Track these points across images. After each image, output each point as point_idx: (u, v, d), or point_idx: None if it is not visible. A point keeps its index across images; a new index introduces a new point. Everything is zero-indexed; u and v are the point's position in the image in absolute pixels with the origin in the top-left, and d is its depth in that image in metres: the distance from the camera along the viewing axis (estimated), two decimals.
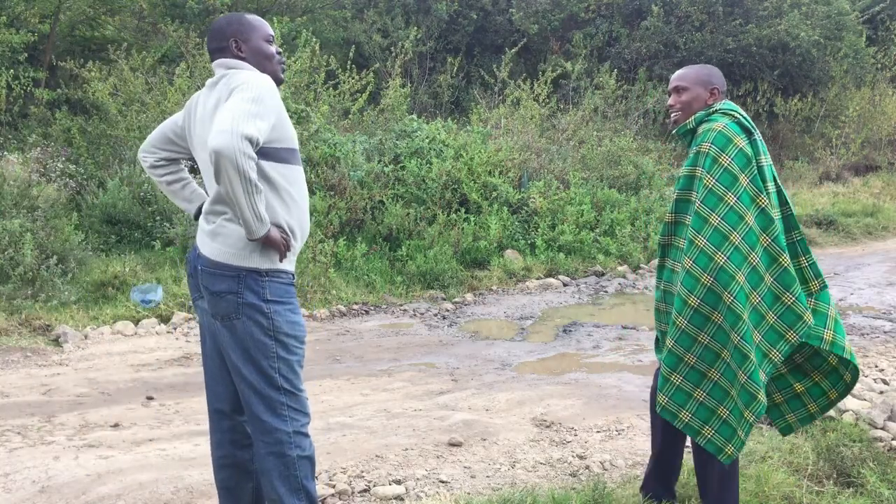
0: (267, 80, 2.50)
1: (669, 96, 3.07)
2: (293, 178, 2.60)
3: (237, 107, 2.36)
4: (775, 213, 2.81)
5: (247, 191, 2.35)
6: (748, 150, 2.80)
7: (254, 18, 2.68)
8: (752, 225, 2.73)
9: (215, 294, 2.56)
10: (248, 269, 2.53)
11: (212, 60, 2.67)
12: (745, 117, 2.90)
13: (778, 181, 2.90)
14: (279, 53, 2.71)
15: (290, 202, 2.59)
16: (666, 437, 3.16)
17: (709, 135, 2.82)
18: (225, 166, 2.31)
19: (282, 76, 2.72)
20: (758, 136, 2.88)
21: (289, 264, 2.62)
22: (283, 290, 2.59)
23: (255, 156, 2.35)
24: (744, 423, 2.76)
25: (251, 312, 2.54)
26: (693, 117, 2.96)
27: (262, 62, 2.64)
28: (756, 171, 2.79)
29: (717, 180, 2.76)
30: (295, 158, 2.63)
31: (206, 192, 2.75)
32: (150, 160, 2.89)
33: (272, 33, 2.71)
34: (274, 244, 2.52)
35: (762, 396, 2.70)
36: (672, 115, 3.05)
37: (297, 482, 2.64)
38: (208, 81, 2.65)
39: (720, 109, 2.93)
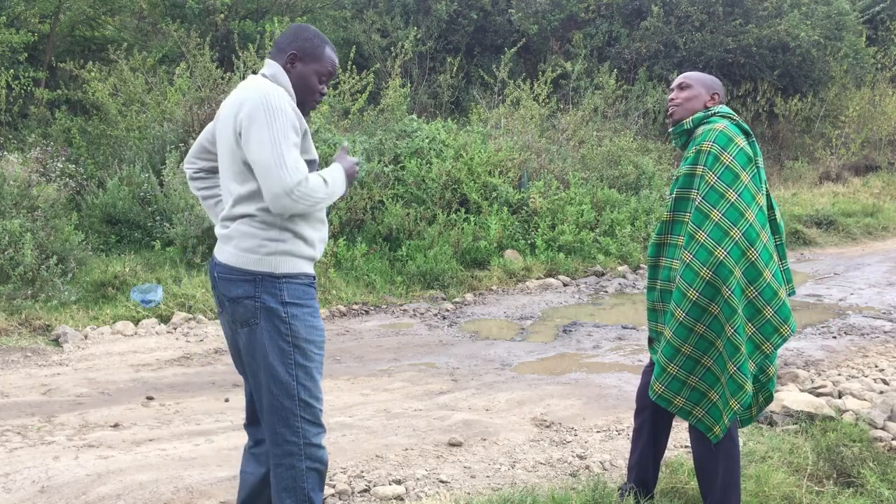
0: (283, 96, 2.46)
1: (671, 92, 3.13)
2: None
3: (272, 156, 2.37)
4: (769, 214, 2.94)
5: (327, 201, 2.51)
6: (748, 150, 2.90)
7: (327, 52, 2.63)
8: (752, 221, 2.82)
9: (233, 300, 2.52)
10: (265, 273, 2.50)
11: (270, 55, 2.67)
12: (741, 121, 3.01)
13: (766, 185, 3.01)
14: (322, 94, 2.68)
15: (309, 214, 2.57)
16: (655, 431, 3.22)
17: (710, 134, 2.90)
18: (304, 209, 2.45)
19: (308, 111, 2.69)
20: (754, 140, 2.97)
21: (307, 266, 2.59)
22: (301, 292, 2.54)
23: (309, 184, 2.41)
24: (728, 409, 2.87)
25: (270, 317, 2.50)
26: (691, 118, 3.05)
27: (300, 88, 2.61)
28: (756, 171, 2.90)
29: (718, 177, 2.84)
30: (313, 169, 2.61)
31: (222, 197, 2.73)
32: (189, 171, 2.88)
33: (332, 71, 2.66)
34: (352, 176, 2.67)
35: (749, 387, 2.82)
36: (670, 108, 3.12)
37: (304, 494, 2.61)
38: (240, 84, 2.63)
39: (718, 112, 3.03)
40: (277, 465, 2.61)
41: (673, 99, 3.10)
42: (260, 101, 2.43)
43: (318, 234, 2.63)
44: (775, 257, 2.90)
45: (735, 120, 2.98)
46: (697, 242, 2.83)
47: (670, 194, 3.07)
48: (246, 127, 2.42)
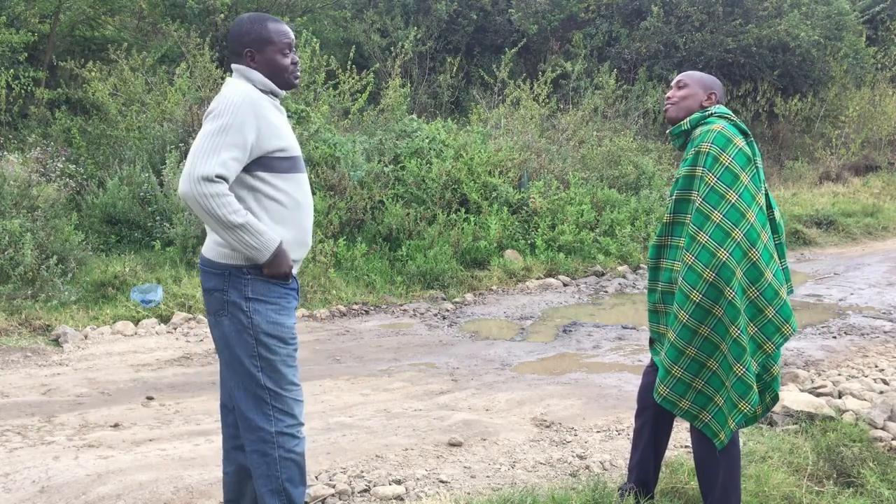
0: (244, 97, 2.51)
1: (669, 90, 3.15)
2: (285, 187, 2.61)
3: (199, 144, 2.46)
4: (768, 214, 2.93)
5: (225, 226, 2.44)
6: (747, 150, 2.90)
7: (273, 30, 2.65)
8: (753, 222, 2.82)
9: (206, 291, 2.65)
10: (233, 266, 2.57)
11: (231, 60, 2.71)
12: (739, 122, 3.00)
13: (766, 184, 3.00)
14: (294, 63, 2.70)
15: (281, 210, 2.59)
16: (656, 431, 3.21)
17: (708, 135, 2.90)
18: (195, 210, 2.44)
19: (295, 83, 2.73)
20: (752, 140, 2.97)
21: None
22: (266, 289, 2.60)
23: (221, 191, 2.42)
24: (736, 413, 2.84)
25: (233, 310, 2.59)
26: (689, 119, 3.04)
27: (273, 73, 2.66)
28: (755, 171, 2.89)
29: (718, 178, 2.83)
30: (292, 167, 2.63)
31: None
32: None
33: (290, 41, 2.69)
34: (276, 270, 2.56)
35: (756, 387, 2.81)
36: (666, 105, 3.13)
37: (278, 483, 2.65)
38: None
39: (716, 113, 3.02)
40: (252, 453, 2.67)
41: (670, 97, 3.11)
42: (216, 101, 2.53)
43: (290, 236, 2.64)
44: (775, 257, 2.90)
45: (733, 120, 2.98)
46: (699, 244, 2.82)
47: (671, 196, 3.06)
48: (204, 121, 2.55)
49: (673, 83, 3.15)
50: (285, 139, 2.61)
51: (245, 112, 2.49)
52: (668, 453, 3.81)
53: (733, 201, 2.80)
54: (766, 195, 2.97)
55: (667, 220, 3.06)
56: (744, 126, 2.98)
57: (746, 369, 2.79)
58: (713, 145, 2.85)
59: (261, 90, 2.63)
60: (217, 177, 2.41)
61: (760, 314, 2.82)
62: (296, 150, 2.67)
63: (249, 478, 2.83)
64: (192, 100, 9.22)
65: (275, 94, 2.69)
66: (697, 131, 2.97)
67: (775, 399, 3.06)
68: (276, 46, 2.65)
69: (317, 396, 4.83)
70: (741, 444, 3.93)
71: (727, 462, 2.96)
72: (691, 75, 3.11)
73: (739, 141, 2.87)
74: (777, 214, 3.01)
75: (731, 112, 3.04)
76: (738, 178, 2.82)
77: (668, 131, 3.15)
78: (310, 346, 5.97)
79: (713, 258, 2.78)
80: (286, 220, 2.61)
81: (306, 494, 3.27)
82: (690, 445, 3.16)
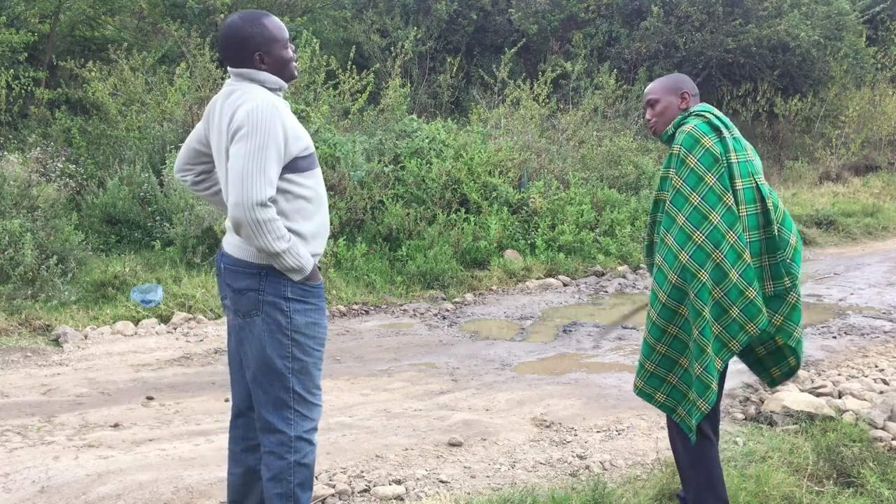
0: (269, 107, 2.49)
1: (646, 111, 3.15)
2: (309, 184, 2.62)
3: (243, 167, 2.41)
4: (742, 210, 2.86)
5: (271, 252, 2.46)
6: (716, 148, 2.86)
7: (274, 27, 2.63)
8: (717, 223, 2.80)
9: (237, 291, 2.60)
10: (270, 267, 2.56)
11: (228, 64, 2.65)
12: (717, 116, 2.98)
13: (756, 177, 2.93)
14: (295, 52, 2.71)
15: (307, 206, 2.61)
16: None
17: (679, 137, 2.93)
18: (248, 235, 2.44)
19: (296, 74, 2.74)
20: (729, 133, 2.92)
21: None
22: (303, 289, 2.60)
23: (273, 216, 2.44)
24: (694, 410, 2.88)
25: (270, 310, 2.57)
26: (672, 123, 3.05)
27: (280, 69, 2.65)
28: (724, 170, 2.84)
29: (683, 181, 2.86)
30: (312, 163, 2.64)
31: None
32: (189, 178, 2.89)
33: (286, 36, 2.69)
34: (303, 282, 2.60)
35: (714, 386, 2.84)
36: (651, 129, 3.14)
37: (289, 488, 2.66)
38: (225, 89, 2.65)
39: (693, 112, 3.02)
40: (268, 454, 2.67)
41: (649, 119, 3.12)
42: (243, 117, 2.47)
43: (316, 230, 2.65)
44: (745, 255, 2.82)
45: (707, 117, 2.94)
46: (666, 246, 2.88)
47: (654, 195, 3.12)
48: (235, 138, 2.48)
49: (644, 102, 3.15)
50: (303, 137, 2.61)
51: (275, 124, 2.47)
52: (667, 454, 3.81)
53: (696, 203, 2.81)
54: (759, 187, 2.91)
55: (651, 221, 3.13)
56: (721, 121, 2.94)
57: (705, 368, 2.81)
58: (682, 147, 2.87)
59: (270, 89, 2.63)
60: (269, 199, 2.43)
61: (725, 314, 2.82)
62: (312, 144, 2.67)
63: (256, 480, 2.82)
64: (192, 100, 9.22)
65: (280, 89, 2.69)
66: (677, 132, 2.99)
67: (797, 365, 3.09)
68: (281, 42, 2.64)
69: None
70: (741, 444, 3.93)
71: (699, 461, 2.95)
72: (656, 88, 3.10)
73: (708, 140, 2.85)
74: (777, 209, 2.95)
75: (709, 108, 3.02)
76: (703, 180, 2.82)
77: (660, 142, 3.17)
78: None
79: (676, 261, 2.83)
80: (312, 216, 2.63)
81: None
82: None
